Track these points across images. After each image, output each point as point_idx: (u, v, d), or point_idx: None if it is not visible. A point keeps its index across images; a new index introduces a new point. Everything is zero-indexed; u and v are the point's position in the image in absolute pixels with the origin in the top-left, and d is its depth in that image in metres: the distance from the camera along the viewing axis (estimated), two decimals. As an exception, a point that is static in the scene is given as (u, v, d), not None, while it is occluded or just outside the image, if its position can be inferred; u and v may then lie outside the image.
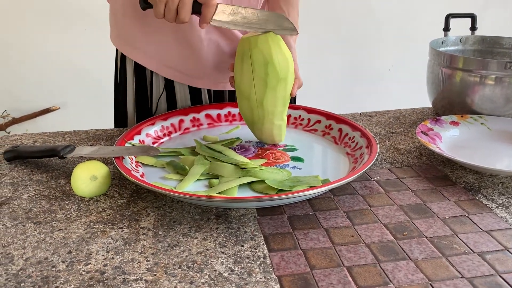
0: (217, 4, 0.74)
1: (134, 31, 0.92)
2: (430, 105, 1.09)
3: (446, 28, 1.12)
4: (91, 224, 0.63)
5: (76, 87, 2.32)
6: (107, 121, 1.13)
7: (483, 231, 0.61)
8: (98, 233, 0.61)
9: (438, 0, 2.55)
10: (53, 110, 2.29)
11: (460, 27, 1.21)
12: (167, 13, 0.72)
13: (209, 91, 1.02)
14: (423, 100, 1.09)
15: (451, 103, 0.99)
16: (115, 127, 1.06)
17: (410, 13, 2.58)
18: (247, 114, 0.84)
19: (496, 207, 0.67)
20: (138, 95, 1.00)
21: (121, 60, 1.00)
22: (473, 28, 1.13)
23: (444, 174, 0.77)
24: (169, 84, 0.98)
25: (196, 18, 0.80)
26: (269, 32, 0.78)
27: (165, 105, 1.00)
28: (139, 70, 0.98)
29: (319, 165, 0.81)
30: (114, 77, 1.06)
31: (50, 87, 2.30)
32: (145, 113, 1.01)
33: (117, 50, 1.02)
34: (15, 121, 2.25)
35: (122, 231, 0.61)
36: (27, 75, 2.27)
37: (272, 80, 0.78)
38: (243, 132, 0.94)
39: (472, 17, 1.12)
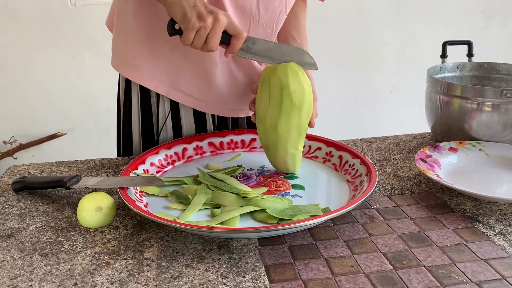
0: (246, 36, 0.77)
1: (143, 55, 0.91)
2: (430, 130, 1.10)
3: (443, 55, 1.14)
4: (96, 255, 0.64)
5: (82, 113, 2.35)
6: (113, 147, 1.15)
7: (481, 259, 0.62)
8: (103, 264, 0.62)
9: (437, 25, 2.60)
10: (60, 135, 2.33)
11: (458, 53, 1.23)
12: (196, 40, 0.74)
13: (213, 117, 1.03)
14: (424, 123, 1.11)
15: (449, 129, 1.01)
16: (117, 155, 1.08)
17: (409, 37, 2.62)
18: (263, 138, 0.87)
19: (494, 235, 0.68)
20: (144, 121, 1.00)
21: (126, 87, 1.00)
22: (469, 54, 1.15)
23: (442, 201, 0.78)
24: (174, 110, 0.99)
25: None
26: (292, 62, 0.82)
27: (171, 131, 1.01)
28: (145, 96, 0.98)
29: (319, 193, 0.83)
30: (117, 105, 1.06)
31: (56, 113, 2.34)
32: (151, 139, 1.01)
33: (119, 79, 1.02)
34: (22, 147, 2.28)
35: (126, 262, 0.62)
36: (34, 101, 2.32)
37: (287, 106, 0.80)
38: (245, 159, 0.95)
39: (469, 44, 1.15)
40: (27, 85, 2.30)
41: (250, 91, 0.92)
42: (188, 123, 1.01)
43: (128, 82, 1.01)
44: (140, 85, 0.98)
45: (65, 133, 2.35)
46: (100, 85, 2.30)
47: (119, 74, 1.02)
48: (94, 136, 2.37)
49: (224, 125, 1.06)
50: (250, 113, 0.97)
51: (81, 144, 2.37)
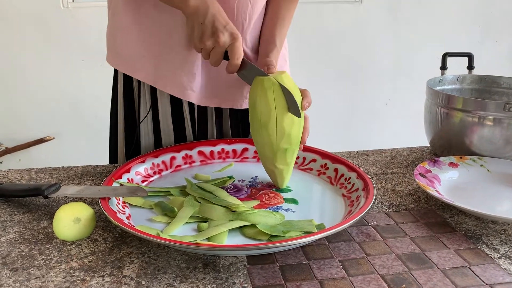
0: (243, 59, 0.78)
1: (132, 47, 0.90)
2: (428, 144, 1.07)
3: (443, 67, 1.11)
4: (71, 271, 0.59)
5: (71, 117, 2.30)
6: (101, 152, 1.11)
7: (486, 284, 0.58)
8: (78, 281, 0.57)
9: (434, 39, 2.59)
10: (47, 140, 2.27)
11: (458, 66, 1.20)
12: (202, 54, 0.79)
13: (193, 124, 0.98)
14: (421, 136, 1.07)
15: (449, 143, 0.97)
16: (109, 162, 1.04)
17: (405, 50, 2.60)
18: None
19: (499, 257, 0.63)
20: (127, 126, 0.99)
21: (113, 89, 1.00)
22: (470, 67, 1.12)
23: (443, 219, 0.74)
24: (154, 102, 0.96)
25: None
26: (281, 75, 0.77)
27: (152, 136, 0.98)
28: (128, 87, 0.97)
29: (313, 208, 0.78)
30: (110, 107, 1.03)
31: (44, 117, 2.29)
32: (132, 135, 0.99)
33: (112, 84, 1.01)
34: (8, 151, 2.22)
35: (103, 280, 0.57)
36: (21, 105, 2.27)
37: (256, 123, 0.79)
38: (237, 170, 0.91)
39: (469, 56, 1.12)
40: (15, 88, 2.25)
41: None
42: (166, 126, 0.97)
43: (115, 88, 0.99)
44: (124, 88, 0.96)
45: (53, 138, 2.29)
46: (91, 89, 2.25)
47: (113, 79, 1.00)
48: (83, 141, 2.32)
49: (204, 130, 1.00)
50: (237, 106, 0.96)
51: (69, 149, 2.31)
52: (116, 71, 1.00)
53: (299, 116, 0.77)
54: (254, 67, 0.79)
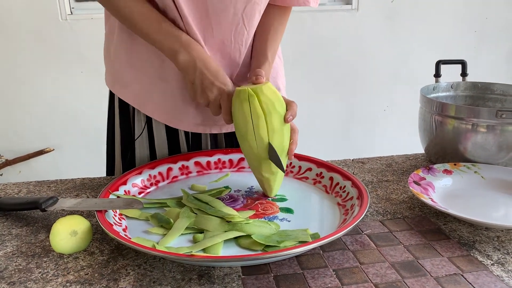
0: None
1: (124, 68, 0.92)
2: (423, 151, 1.07)
3: (437, 74, 1.12)
4: (68, 284, 0.60)
5: (71, 129, 2.31)
6: (100, 163, 1.12)
7: (479, 291, 0.58)
8: (74, 295, 0.58)
9: (431, 45, 2.60)
10: (47, 151, 2.28)
11: (451, 73, 1.21)
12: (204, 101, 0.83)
13: (186, 135, 0.99)
14: (418, 142, 1.08)
15: (444, 150, 0.98)
16: (107, 174, 1.04)
17: (403, 56, 2.62)
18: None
19: (492, 264, 0.64)
20: (123, 136, 0.99)
21: (109, 107, 1.01)
22: (463, 74, 1.13)
23: (437, 226, 0.75)
24: (149, 125, 0.98)
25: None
26: (245, 89, 0.77)
27: (147, 146, 0.99)
28: (124, 110, 0.98)
29: (309, 217, 0.79)
30: (107, 122, 1.04)
31: (44, 129, 2.30)
32: (128, 148, 1.00)
33: (109, 98, 1.02)
34: (8, 162, 2.23)
35: (99, 292, 0.58)
36: (21, 117, 2.28)
37: (237, 133, 0.80)
38: (233, 180, 0.92)
39: (463, 63, 1.13)
40: (15, 100, 2.26)
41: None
42: (160, 141, 0.98)
43: (111, 102, 1.01)
44: (119, 104, 0.98)
45: (53, 149, 2.30)
46: (90, 102, 2.27)
47: (109, 94, 1.02)
48: (82, 153, 2.33)
49: (197, 144, 1.01)
50: (223, 130, 0.96)
51: (69, 160, 2.32)
52: None
53: (283, 170, 0.79)
54: None
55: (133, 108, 0.97)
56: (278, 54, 1.01)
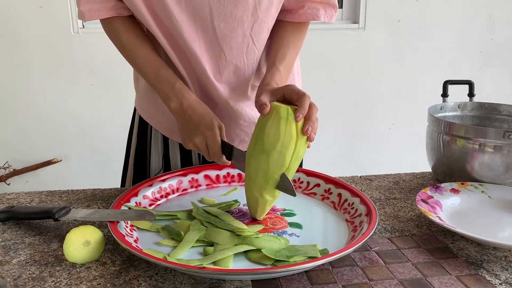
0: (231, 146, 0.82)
1: (150, 106, 0.98)
2: (430, 169, 1.08)
3: (445, 94, 1.13)
4: (80, 293, 0.61)
5: (78, 140, 2.34)
6: (108, 175, 1.13)
7: (487, 310, 0.59)
8: (87, 304, 0.59)
9: (436, 64, 2.62)
10: (55, 162, 2.30)
11: (457, 93, 1.23)
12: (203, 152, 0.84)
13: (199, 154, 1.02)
14: (425, 161, 1.09)
15: (451, 169, 0.99)
16: (121, 185, 1.07)
17: (409, 74, 2.64)
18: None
19: (500, 284, 0.64)
20: (138, 153, 1.02)
21: (131, 124, 1.06)
22: (471, 94, 1.14)
23: (445, 245, 0.75)
24: (166, 145, 1.01)
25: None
26: (287, 108, 0.75)
27: (161, 158, 1.02)
28: (142, 124, 1.02)
29: (317, 232, 0.80)
30: (128, 132, 1.09)
31: (52, 140, 2.32)
32: (142, 173, 1.03)
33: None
34: (15, 172, 2.25)
35: (111, 302, 0.59)
36: (30, 127, 2.30)
37: (258, 148, 0.76)
38: (242, 194, 0.92)
39: (470, 84, 1.14)
40: (24, 110, 2.29)
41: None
42: (174, 158, 1.02)
43: (134, 113, 1.06)
44: (139, 123, 1.03)
45: (61, 160, 2.32)
46: (99, 114, 2.29)
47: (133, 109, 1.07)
48: (90, 163, 2.35)
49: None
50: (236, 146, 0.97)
51: (76, 171, 2.34)
52: None
53: (294, 194, 0.76)
54: (240, 153, 0.81)
55: (151, 128, 1.02)
56: (297, 71, 1.03)
